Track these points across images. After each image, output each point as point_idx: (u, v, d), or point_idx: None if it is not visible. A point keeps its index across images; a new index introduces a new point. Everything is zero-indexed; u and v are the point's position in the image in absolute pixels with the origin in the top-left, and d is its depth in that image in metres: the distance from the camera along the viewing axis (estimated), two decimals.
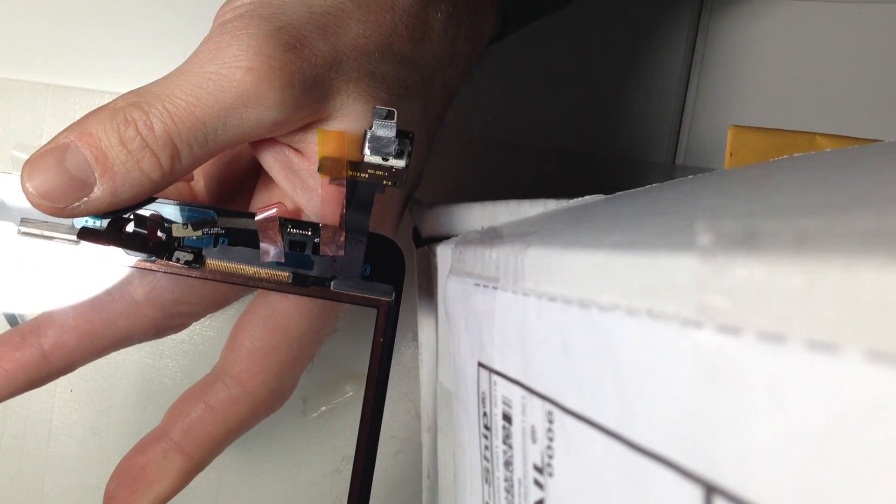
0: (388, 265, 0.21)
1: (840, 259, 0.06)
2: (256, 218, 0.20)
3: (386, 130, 0.18)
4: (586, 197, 0.18)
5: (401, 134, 0.19)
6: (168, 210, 0.20)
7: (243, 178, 0.24)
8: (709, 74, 0.34)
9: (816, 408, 0.06)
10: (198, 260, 0.20)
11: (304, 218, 0.21)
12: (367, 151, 0.19)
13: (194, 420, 0.21)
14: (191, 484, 0.22)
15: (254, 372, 0.21)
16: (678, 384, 0.08)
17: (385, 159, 0.19)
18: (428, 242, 0.23)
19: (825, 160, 0.14)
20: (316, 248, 0.20)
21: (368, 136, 0.18)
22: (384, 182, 0.19)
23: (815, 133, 0.22)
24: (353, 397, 0.32)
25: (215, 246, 0.20)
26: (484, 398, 0.16)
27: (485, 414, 0.16)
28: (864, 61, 0.32)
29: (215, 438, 0.21)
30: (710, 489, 0.08)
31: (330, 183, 0.19)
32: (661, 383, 0.08)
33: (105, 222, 0.20)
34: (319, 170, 0.19)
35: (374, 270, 0.21)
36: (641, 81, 0.34)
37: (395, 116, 0.18)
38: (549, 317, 0.12)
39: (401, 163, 0.19)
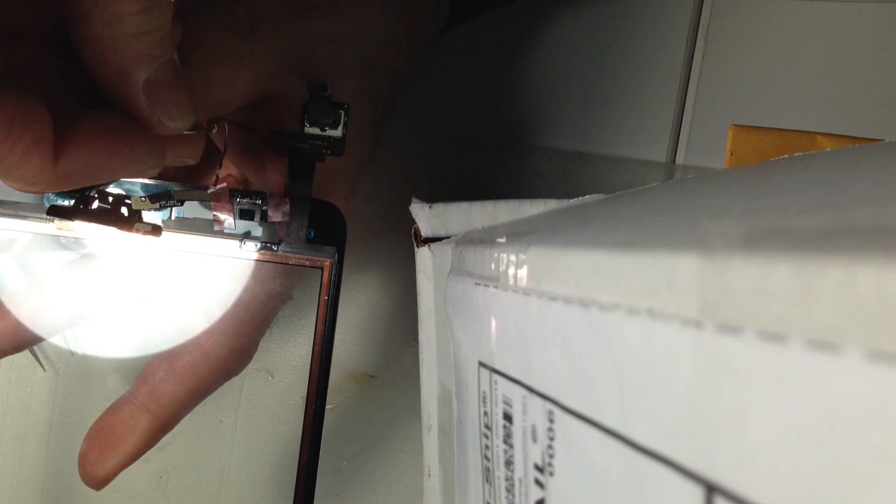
0: (330, 229, 0.22)
1: (840, 258, 0.06)
2: (209, 190, 0.21)
3: (321, 103, 0.20)
4: (586, 197, 0.18)
5: (335, 105, 0.21)
6: (127, 187, 0.21)
7: (201, 163, 0.25)
8: (709, 74, 0.34)
9: (817, 407, 0.06)
10: (155, 231, 0.21)
11: (253, 188, 0.22)
12: (306, 124, 0.21)
13: (158, 382, 0.22)
14: (191, 484, 0.22)
15: (212, 335, 0.23)
16: (678, 384, 0.08)
17: (323, 130, 0.21)
18: (428, 242, 0.23)
19: (825, 160, 0.14)
20: (264, 215, 0.22)
21: (307, 109, 0.20)
22: (324, 151, 0.21)
23: (815, 133, 0.22)
24: (353, 396, 0.32)
25: (171, 218, 0.22)
26: (484, 397, 0.16)
27: (485, 413, 0.16)
28: (864, 61, 0.32)
29: (177, 398, 0.23)
30: (711, 489, 0.08)
31: (274, 155, 0.21)
32: (662, 383, 0.08)
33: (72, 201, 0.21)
34: (264, 143, 0.20)
35: (318, 234, 0.22)
36: (641, 81, 0.34)
37: (329, 90, 0.20)
38: (550, 316, 0.12)
39: (337, 132, 0.21)
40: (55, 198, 0.21)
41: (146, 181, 0.21)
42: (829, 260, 0.06)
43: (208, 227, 0.22)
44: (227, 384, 0.28)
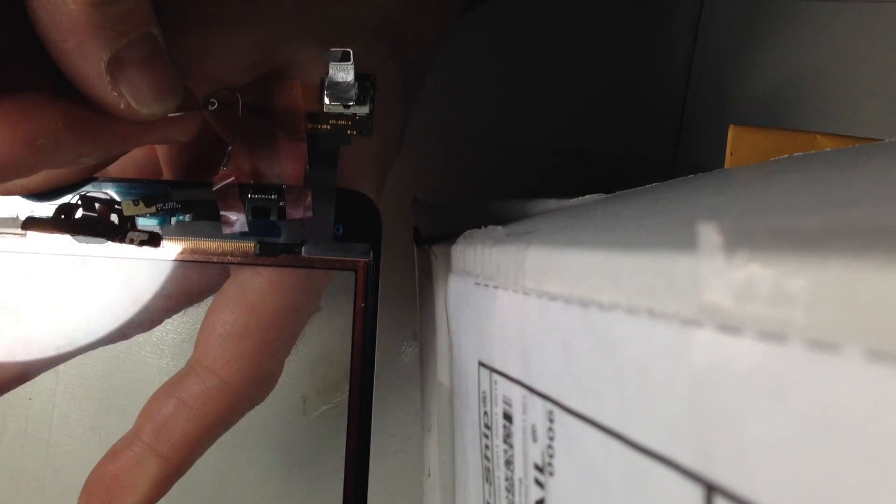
0: (362, 223, 0.19)
1: (840, 258, 0.06)
2: (214, 187, 0.18)
3: (344, 74, 0.17)
4: (586, 197, 0.18)
5: (360, 77, 0.17)
6: (115, 190, 0.18)
7: (208, 156, 0.21)
8: (709, 74, 0.34)
9: (817, 407, 0.06)
10: (152, 239, 0.18)
11: (267, 181, 0.19)
12: (325, 100, 0.17)
13: (167, 418, 0.19)
14: (191, 484, 0.21)
15: (228, 359, 0.19)
16: (678, 384, 0.08)
17: (347, 107, 0.17)
18: (428, 242, 0.23)
19: (825, 160, 0.14)
20: (282, 212, 0.18)
21: (326, 82, 0.17)
22: (348, 132, 0.17)
23: (815, 133, 0.22)
24: None
25: (171, 223, 0.18)
26: (484, 397, 0.16)
27: (485, 413, 0.16)
28: (864, 61, 0.32)
29: (191, 437, 0.19)
30: (711, 488, 0.08)
31: (289, 140, 0.17)
32: (662, 383, 0.08)
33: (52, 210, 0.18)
34: (276, 126, 0.17)
35: (347, 230, 0.19)
36: (641, 81, 0.34)
37: (352, 58, 0.16)
38: (550, 316, 0.12)
39: (364, 109, 0.17)
40: (31, 210, 0.18)
41: (137, 181, 0.18)
42: (829, 260, 0.06)
43: (216, 232, 0.18)
44: None
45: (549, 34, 0.34)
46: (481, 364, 0.16)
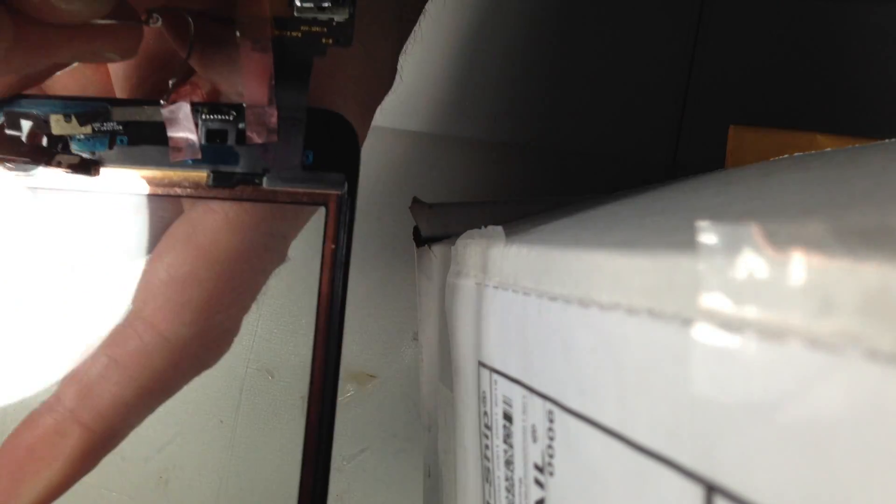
0: (336, 149, 0.16)
1: (840, 258, 0.06)
2: (162, 106, 0.15)
3: None
4: (586, 197, 0.18)
5: None
6: (47, 109, 0.16)
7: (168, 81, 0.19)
8: (709, 74, 0.34)
9: (817, 407, 0.06)
10: (86, 165, 0.15)
11: (226, 100, 0.16)
12: (296, 1, 0.14)
13: (94, 380, 0.16)
14: (191, 484, 0.20)
15: (171, 310, 0.16)
16: (678, 384, 0.08)
17: (322, 9, 0.14)
18: (428, 242, 0.23)
19: (825, 160, 0.14)
20: (241, 135, 0.16)
21: None
22: (323, 40, 0.14)
23: (815, 133, 0.22)
24: (353, 396, 0.32)
25: (112, 147, 0.16)
26: (484, 397, 0.16)
27: (485, 413, 0.16)
28: (864, 61, 0.32)
29: (122, 403, 0.16)
30: (711, 489, 0.08)
31: (253, 49, 0.14)
32: (662, 383, 0.08)
33: None
34: (237, 32, 0.14)
35: (318, 157, 0.16)
36: (641, 81, 0.34)
37: None
38: (550, 316, 0.12)
39: (343, 13, 0.14)
40: None
41: (73, 98, 0.16)
42: (829, 260, 0.06)
43: (163, 159, 0.16)
44: (226, 383, 0.26)
45: (550, 34, 0.34)
46: (481, 364, 0.16)
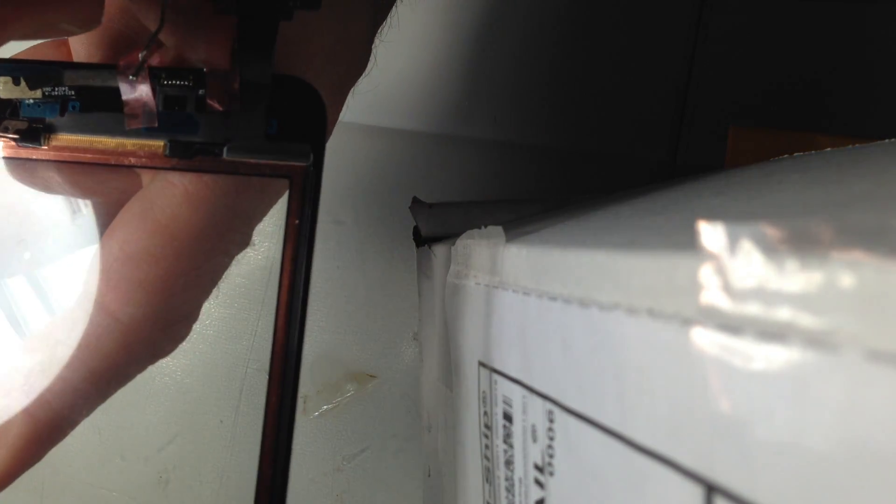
0: (302, 118, 0.15)
1: (840, 258, 0.06)
2: (118, 70, 0.14)
3: None
4: (586, 196, 0.18)
5: None
6: None
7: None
8: (709, 73, 0.34)
9: (816, 407, 0.06)
10: (34, 133, 0.15)
11: (185, 65, 0.15)
12: None
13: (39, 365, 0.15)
14: (191, 484, 0.20)
15: (124, 291, 0.15)
16: (678, 384, 0.08)
17: None
18: (428, 242, 0.23)
19: (825, 160, 0.14)
20: (201, 102, 0.15)
21: None
22: (290, 2, 0.14)
23: (815, 133, 0.22)
24: (353, 396, 0.32)
25: (63, 113, 0.15)
26: (484, 397, 0.16)
27: (485, 413, 0.16)
28: (864, 61, 0.32)
29: (70, 389, 0.15)
30: (711, 489, 0.08)
31: (214, 12, 0.14)
32: (662, 383, 0.08)
33: None
34: None
35: (282, 127, 0.15)
36: (641, 81, 0.34)
37: None
38: (550, 316, 0.12)
39: None
40: None
41: (22, 61, 0.15)
42: (828, 260, 0.06)
43: (118, 127, 0.15)
44: (226, 383, 0.26)
45: (550, 34, 0.34)
46: (481, 364, 0.16)
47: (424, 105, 0.34)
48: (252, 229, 0.16)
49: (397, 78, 0.33)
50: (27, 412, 0.15)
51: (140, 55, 0.14)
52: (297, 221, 0.15)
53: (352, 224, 0.33)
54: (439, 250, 0.21)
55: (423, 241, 0.24)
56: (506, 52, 0.35)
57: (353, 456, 0.32)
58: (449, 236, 0.21)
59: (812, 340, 0.06)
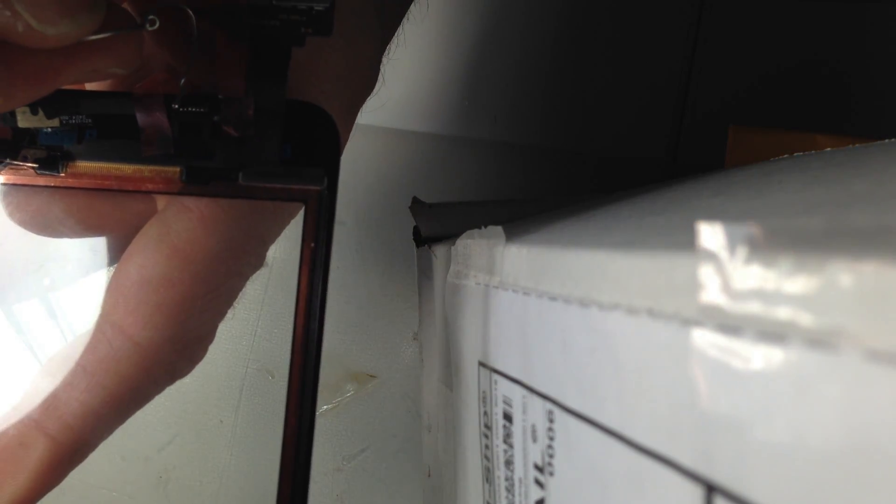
0: (316, 142, 0.16)
1: (840, 258, 0.06)
2: (134, 98, 0.15)
3: None
4: (586, 196, 0.18)
5: None
6: None
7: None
8: (708, 73, 0.34)
9: (817, 407, 0.06)
10: (53, 161, 0.15)
11: (200, 91, 0.16)
12: None
13: (60, 388, 0.15)
14: (191, 484, 0.20)
15: (142, 314, 0.15)
16: (678, 384, 0.08)
17: None
18: (428, 242, 0.23)
19: (825, 160, 0.14)
20: (216, 129, 0.15)
21: None
22: (302, 29, 0.14)
23: (814, 133, 0.22)
24: (353, 396, 0.32)
25: (80, 141, 0.15)
26: (484, 397, 0.16)
27: (485, 413, 0.16)
28: (864, 61, 0.32)
29: (90, 412, 0.15)
30: (711, 488, 0.08)
31: (228, 39, 0.14)
32: (661, 383, 0.08)
33: None
34: (213, 23, 0.14)
35: (297, 151, 0.16)
36: (641, 81, 0.34)
37: None
38: (550, 316, 0.12)
39: (323, 1, 0.14)
40: None
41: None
42: (828, 259, 0.06)
43: (134, 154, 0.15)
44: (226, 383, 0.26)
45: (550, 34, 0.34)
46: (481, 364, 0.16)
47: (424, 105, 0.34)
48: (266, 250, 0.16)
49: (398, 79, 0.33)
50: (48, 435, 0.15)
51: (181, 83, 0.14)
52: (312, 245, 0.15)
53: (352, 224, 0.33)
54: (439, 250, 0.21)
55: (423, 241, 0.24)
56: (506, 52, 0.35)
57: (353, 456, 0.32)
58: (449, 236, 0.21)
59: (812, 340, 0.06)
